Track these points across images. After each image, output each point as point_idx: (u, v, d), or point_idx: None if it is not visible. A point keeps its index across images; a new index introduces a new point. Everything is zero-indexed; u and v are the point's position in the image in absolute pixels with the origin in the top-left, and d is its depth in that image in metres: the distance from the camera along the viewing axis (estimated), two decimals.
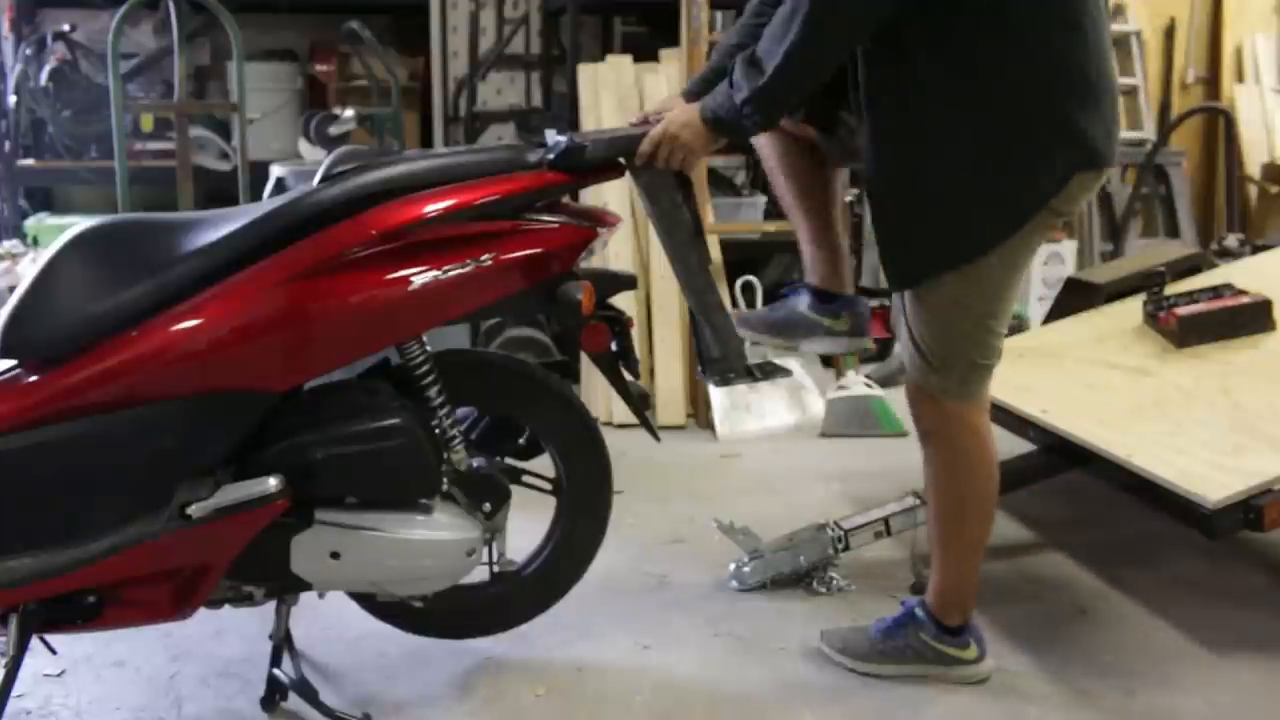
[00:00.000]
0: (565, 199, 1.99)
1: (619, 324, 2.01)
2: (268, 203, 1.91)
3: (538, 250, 1.88)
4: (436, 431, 1.94)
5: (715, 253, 3.86)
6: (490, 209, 1.86)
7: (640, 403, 2.08)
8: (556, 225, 1.91)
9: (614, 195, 3.90)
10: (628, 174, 1.98)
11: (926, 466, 2.09)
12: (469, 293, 1.87)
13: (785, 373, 2.28)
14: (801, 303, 2.27)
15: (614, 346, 2.00)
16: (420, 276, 1.81)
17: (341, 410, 1.88)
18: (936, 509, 2.10)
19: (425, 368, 1.94)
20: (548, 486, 2.16)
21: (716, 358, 2.09)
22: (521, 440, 2.14)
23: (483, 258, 1.84)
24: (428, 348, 1.95)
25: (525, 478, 2.14)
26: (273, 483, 1.80)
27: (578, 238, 1.92)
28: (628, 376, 2.04)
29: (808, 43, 1.78)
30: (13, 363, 1.81)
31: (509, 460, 2.13)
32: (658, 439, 2.12)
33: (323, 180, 1.85)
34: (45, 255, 1.83)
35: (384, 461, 1.88)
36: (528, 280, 1.89)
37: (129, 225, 1.90)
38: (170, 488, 1.80)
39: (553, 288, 1.91)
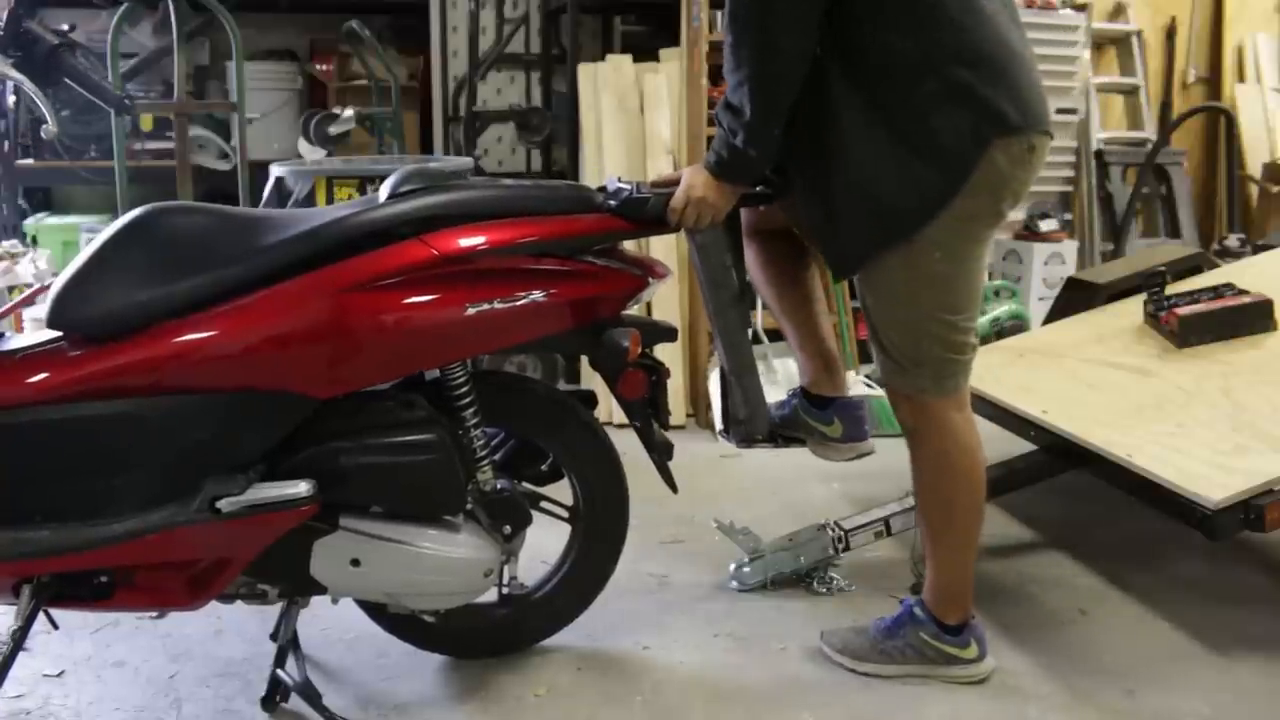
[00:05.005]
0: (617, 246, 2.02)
1: (656, 374, 2.03)
2: (335, 209, 1.92)
3: (591, 293, 1.91)
4: (467, 450, 1.95)
5: None
6: (551, 246, 1.88)
7: (664, 453, 2.10)
8: (611, 270, 1.94)
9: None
10: (683, 231, 2.01)
11: (912, 465, 2.09)
12: (520, 325, 1.88)
13: (801, 441, 2.33)
14: (799, 404, 2.32)
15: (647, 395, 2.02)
16: (476, 304, 1.82)
17: (377, 420, 1.89)
18: (924, 506, 2.10)
19: (465, 387, 1.95)
20: (565, 514, 2.17)
21: (743, 419, 2.16)
22: (544, 466, 2.15)
23: (538, 293, 1.85)
24: (469, 367, 1.97)
25: (543, 503, 2.16)
26: (305, 487, 1.81)
27: (630, 285, 1.95)
28: (656, 426, 2.07)
29: (761, 61, 1.81)
30: (58, 334, 1.80)
31: (527, 485, 2.14)
32: (675, 490, 2.12)
33: (390, 198, 1.86)
34: (107, 231, 1.83)
35: (415, 475, 1.88)
36: (577, 321, 1.92)
37: (195, 213, 1.88)
38: (200, 479, 1.79)
39: (600, 331, 1.94)
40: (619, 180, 1.99)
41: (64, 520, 1.78)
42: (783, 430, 2.32)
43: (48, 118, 1.97)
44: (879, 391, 3.77)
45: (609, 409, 3.65)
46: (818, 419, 2.30)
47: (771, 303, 2.30)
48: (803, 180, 1.97)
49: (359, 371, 1.84)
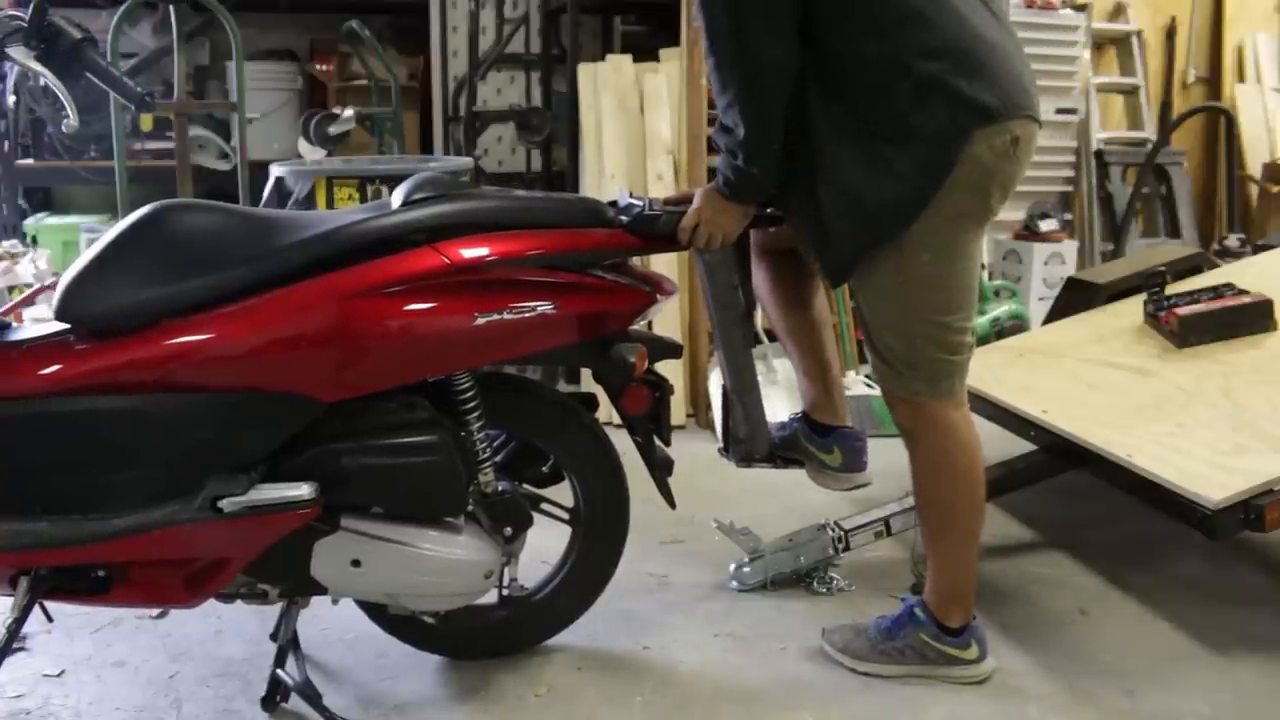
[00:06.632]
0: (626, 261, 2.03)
1: (660, 390, 2.04)
2: (346, 213, 1.92)
3: (600, 308, 1.92)
4: (469, 452, 1.95)
5: None
6: (561, 259, 1.88)
7: (664, 469, 2.11)
8: (620, 285, 1.95)
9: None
10: (692, 249, 2.01)
11: (911, 466, 2.09)
12: (528, 337, 1.88)
13: (800, 463, 2.34)
14: (800, 429, 2.33)
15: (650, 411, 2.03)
16: (485, 314, 1.82)
17: (380, 422, 1.89)
18: (924, 507, 2.10)
19: (469, 391, 1.95)
20: (565, 516, 2.17)
21: (743, 438, 2.18)
22: (545, 468, 2.15)
23: (547, 306, 1.86)
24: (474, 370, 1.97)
25: (544, 505, 2.16)
26: (307, 489, 1.81)
27: (639, 301, 1.96)
28: (657, 442, 2.07)
29: (746, 77, 1.82)
30: (65, 326, 1.80)
31: (527, 487, 2.14)
32: (673, 506, 2.13)
33: (403, 205, 1.86)
34: (117, 227, 1.83)
35: (417, 477, 1.89)
36: (584, 334, 1.92)
37: (206, 211, 1.87)
38: (202, 478, 1.79)
39: (607, 345, 1.94)
40: (630, 196, 2.00)
41: (65, 513, 1.78)
42: (782, 451, 2.33)
43: (69, 111, 1.97)
44: (878, 391, 3.78)
45: (609, 411, 3.65)
46: (818, 446, 2.30)
47: (777, 324, 2.30)
48: (794, 194, 1.97)
49: (366, 376, 1.83)
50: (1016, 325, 4.42)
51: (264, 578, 1.93)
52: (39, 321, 1.89)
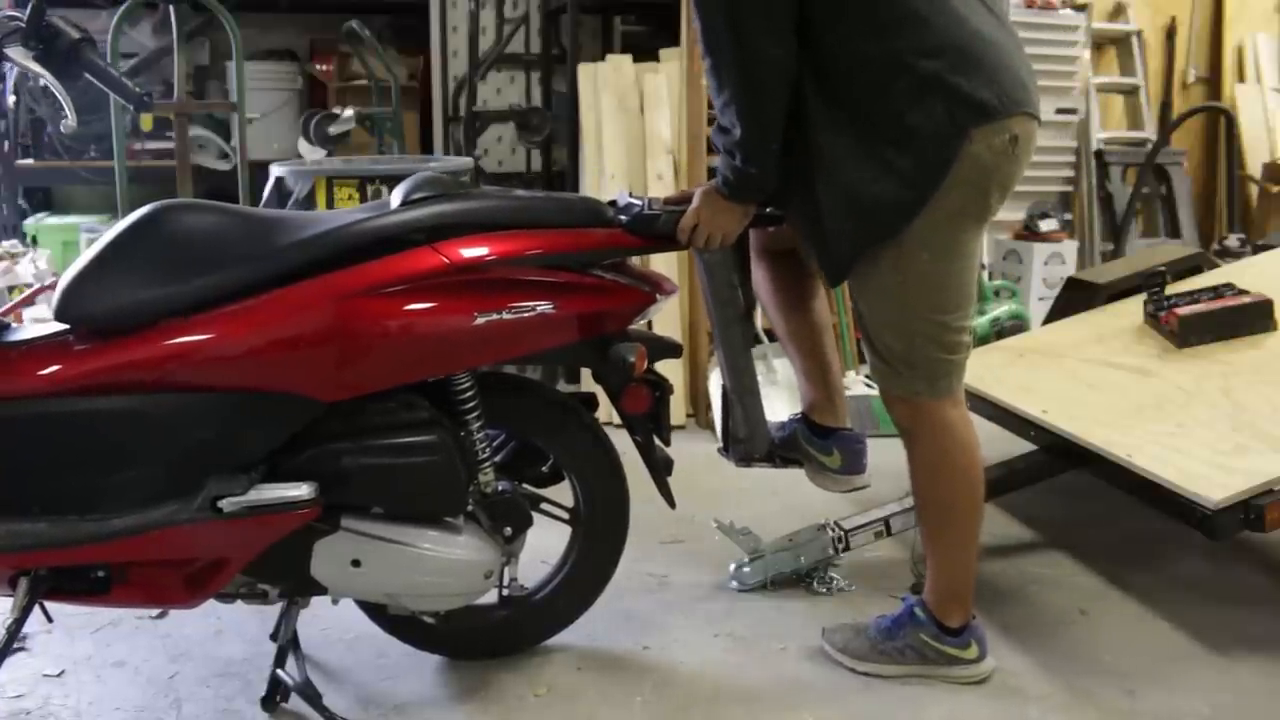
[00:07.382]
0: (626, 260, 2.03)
1: (660, 389, 2.04)
2: (347, 213, 1.92)
3: (599, 307, 1.92)
4: (469, 452, 1.95)
5: None
6: (561, 259, 1.88)
7: (663, 469, 2.11)
8: (620, 285, 1.95)
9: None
10: (692, 248, 2.01)
11: (910, 465, 2.09)
12: (527, 337, 1.88)
13: (799, 463, 2.34)
14: (800, 430, 2.33)
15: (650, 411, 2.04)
16: (485, 313, 1.82)
17: (379, 421, 1.88)
18: (923, 506, 2.10)
19: (469, 390, 1.95)
20: (565, 516, 2.17)
21: (742, 438, 2.17)
22: (545, 468, 2.15)
23: (546, 305, 1.86)
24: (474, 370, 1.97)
25: (544, 505, 2.16)
26: (307, 489, 1.81)
27: (638, 301, 1.96)
28: (657, 441, 2.08)
29: (743, 77, 1.82)
30: (64, 326, 1.80)
31: (527, 486, 2.14)
32: (673, 506, 2.13)
33: (402, 204, 1.86)
34: (118, 226, 1.83)
35: (417, 477, 1.89)
36: (584, 334, 1.92)
37: (207, 211, 1.86)
38: (202, 478, 1.79)
39: (606, 345, 1.95)
40: (630, 195, 2.00)
41: (64, 514, 1.78)
42: (782, 451, 2.33)
43: (68, 111, 1.97)
44: (877, 391, 3.78)
45: (609, 410, 3.64)
46: (818, 448, 2.30)
47: (778, 326, 2.29)
48: (794, 193, 1.97)
49: (366, 377, 1.83)
50: (1016, 325, 4.42)
51: (264, 578, 1.93)
52: (39, 321, 1.89)
